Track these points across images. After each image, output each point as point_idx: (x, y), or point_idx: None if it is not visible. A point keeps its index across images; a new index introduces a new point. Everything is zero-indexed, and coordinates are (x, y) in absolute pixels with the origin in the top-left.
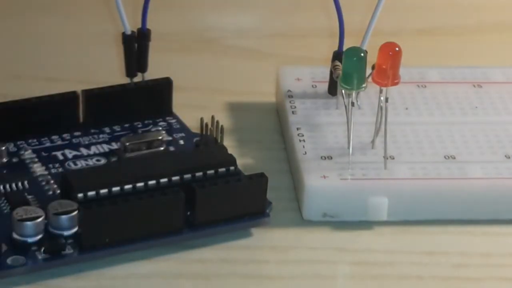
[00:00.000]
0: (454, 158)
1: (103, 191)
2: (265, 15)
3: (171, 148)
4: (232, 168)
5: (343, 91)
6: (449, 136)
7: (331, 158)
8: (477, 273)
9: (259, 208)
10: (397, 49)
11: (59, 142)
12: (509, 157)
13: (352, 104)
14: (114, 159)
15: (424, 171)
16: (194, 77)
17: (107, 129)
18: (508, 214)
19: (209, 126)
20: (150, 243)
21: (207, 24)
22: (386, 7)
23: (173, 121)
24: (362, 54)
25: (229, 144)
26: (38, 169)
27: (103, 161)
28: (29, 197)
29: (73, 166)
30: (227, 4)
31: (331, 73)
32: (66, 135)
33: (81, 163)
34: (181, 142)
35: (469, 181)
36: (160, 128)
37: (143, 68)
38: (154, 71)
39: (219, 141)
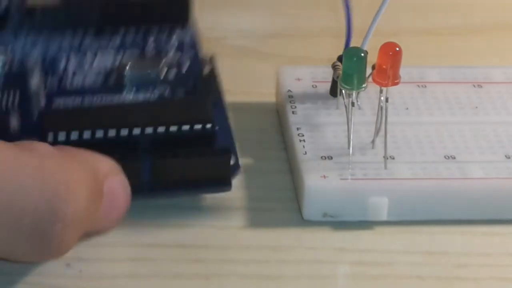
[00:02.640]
0: (454, 158)
1: (74, 133)
2: (265, 15)
3: (173, 70)
4: (208, 125)
5: (343, 91)
6: (449, 136)
7: (331, 158)
8: (477, 273)
9: (222, 179)
10: (397, 49)
11: (67, 46)
12: (509, 157)
13: (352, 104)
14: (113, 77)
15: (424, 171)
16: None
17: (116, 40)
18: (508, 214)
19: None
20: None
21: (207, 24)
22: (386, 7)
23: (187, 36)
24: (362, 54)
25: None
26: (34, 83)
27: (100, 81)
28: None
29: (68, 83)
30: (227, 4)
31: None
32: (75, 40)
33: (79, 79)
34: (184, 69)
35: (469, 181)
36: (171, 44)
37: None
38: None
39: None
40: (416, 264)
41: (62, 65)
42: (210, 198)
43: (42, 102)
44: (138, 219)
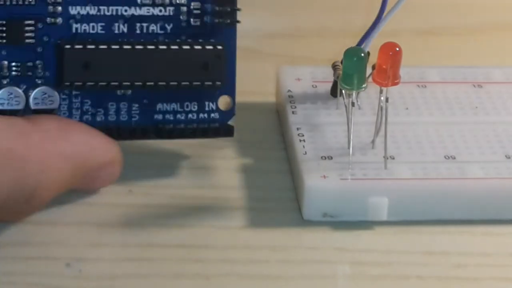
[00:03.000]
0: (454, 158)
1: (90, 84)
2: (265, 15)
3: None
4: (218, 83)
5: (343, 91)
6: (449, 136)
7: (331, 158)
8: (477, 273)
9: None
10: (397, 49)
11: None
12: (509, 157)
13: (353, 104)
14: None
15: (424, 171)
16: None
17: None
18: (508, 214)
19: None
20: None
21: None
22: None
23: None
24: (362, 54)
25: (229, 144)
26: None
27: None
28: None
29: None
30: None
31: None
32: None
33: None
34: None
35: (469, 181)
36: None
37: None
38: None
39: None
40: (416, 264)
41: None
42: (210, 198)
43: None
44: (138, 219)
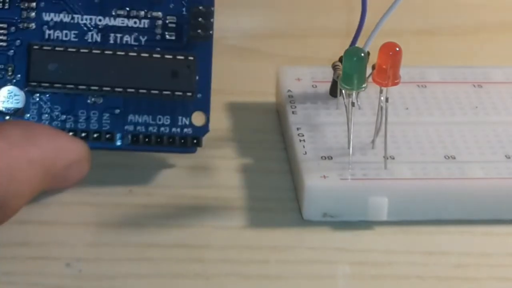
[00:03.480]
0: (454, 158)
1: (57, 85)
2: (265, 15)
3: (168, 3)
4: (189, 94)
5: (343, 91)
6: (449, 136)
7: (331, 158)
8: (477, 273)
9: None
10: (397, 49)
11: None
12: (509, 157)
13: (352, 104)
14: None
15: (424, 171)
16: None
17: None
18: (508, 214)
19: None
20: None
21: None
22: (386, 7)
23: None
24: (362, 54)
25: (229, 144)
26: None
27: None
28: None
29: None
30: (228, 4)
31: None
32: None
33: None
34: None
35: (469, 181)
36: None
37: None
38: None
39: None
40: (416, 264)
41: None
42: (210, 198)
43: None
44: (138, 219)
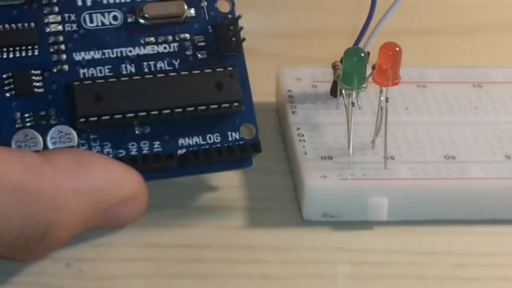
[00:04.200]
0: (454, 158)
1: (105, 118)
2: (265, 15)
3: (193, 24)
4: (236, 104)
5: (343, 91)
6: (449, 136)
7: (331, 158)
8: (477, 273)
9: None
10: (397, 49)
11: None
12: (509, 157)
13: (352, 104)
14: (130, 19)
15: (424, 171)
16: None
17: None
18: (508, 214)
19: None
20: None
21: None
22: (387, 7)
23: None
24: (362, 54)
25: None
26: (52, 23)
27: (119, 19)
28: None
29: (88, 23)
30: None
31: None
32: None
33: (96, 20)
34: (206, 16)
35: (469, 181)
36: None
37: None
38: None
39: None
40: (416, 264)
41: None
42: (210, 198)
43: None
44: (138, 219)
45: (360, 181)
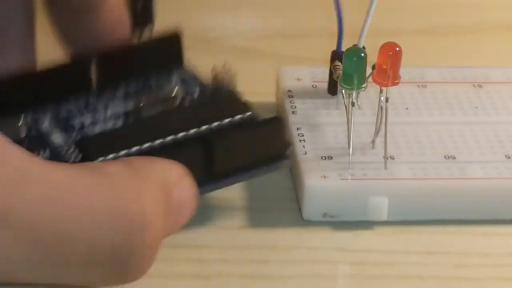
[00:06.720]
0: (454, 158)
1: (122, 152)
2: (265, 15)
3: (186, 102)
4: (247, 113)
5: (343, 91)
6: (449, 136)
7: (331, 158)
8: (477, 273)
9: (279, 151)
10: (397, 49)
11: (75, 109)
12: (509, 157)
13: (352, 104)
14: (131, 119)
15: (424, 171)
16: None
17: (121, 91)
18: (508, 214)
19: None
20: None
21: (207, 24)
22: (386, 7)
23: (186, 74)
24: (362, 54)
25: None
26: (57, 140)
27: (120, 122)
28: None
29: (91, 132)
30: (227, 4)
31: (331, 73)
32: (81, 102)
33: (99, 127)
34: (195, 95)
35: (469, 181)
36: (174, 82)
37: (150, 19)
38: None
39: (230, 87)
40: (416, 264)
41: (77, 122)
42: (210, 198)
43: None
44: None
45: (360, 181)
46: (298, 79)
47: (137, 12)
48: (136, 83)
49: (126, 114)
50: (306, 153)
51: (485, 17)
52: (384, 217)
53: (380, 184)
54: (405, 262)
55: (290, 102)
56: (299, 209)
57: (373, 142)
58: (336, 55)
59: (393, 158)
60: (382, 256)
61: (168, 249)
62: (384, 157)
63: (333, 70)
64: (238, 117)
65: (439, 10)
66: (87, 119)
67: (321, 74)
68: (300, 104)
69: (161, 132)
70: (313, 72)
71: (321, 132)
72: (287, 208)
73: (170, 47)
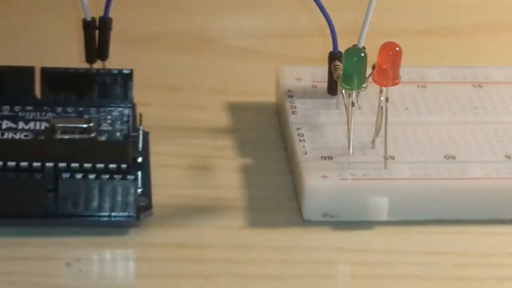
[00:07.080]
0: (454, 158)
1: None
2: (265, 15)
3: (103, 138)
4: (124, 166)
5: (343, 91)
6: (449, 136)
7: (331, 158)
8: (477, 273)
9: (127, 209)
10: (397, 49)
11: (5, 113)
12: (509, 157)
13: (353, 104)
14: (41, 137)
15: (424, 171)
16: (193, 77)
17: (59, 109)
18: (508, 214)
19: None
20: (14, 222)
21: (207, 24)
22: (386, 7)
23: (127, 112)
24: (362, 54)
25: (229, 144)
26: None
27: (30, 137)
28: None
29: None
30: (227, 4)
31: (330, 74)
32: (17, 107)
33: (7, 135)
34: (118, 134)
35: (469, 181)
36: (103, 115)
37: (103, 56)
38: (154, 71)
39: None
40: (416, 264)
41: None
42: (210, 198)
43: None
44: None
45: (360, 181)
46: (298, 79)
47: (93, 48)
48: (77, 108)
49: (40, 132)
50: (306, 153)
51: (485, 18)
52: (384, 217)
53: (380, 184)
54: (405, 262)
55: (290, 102)
56: (299, 209)
57: (373, 142)
58: (334, 56)
59: (393, 158)
60: (382, 256)
61: (168, 249)
62: (384, 157)
63: (333, 70)
64: (112, 166)
65: (439, 10)
66: (5, 125)
67: (321, 74)
68: (300, 104)
69: (26, 156)
70: (313, 72)
71: (321, 132)
72: (287, 208)
73: (119, 83)
